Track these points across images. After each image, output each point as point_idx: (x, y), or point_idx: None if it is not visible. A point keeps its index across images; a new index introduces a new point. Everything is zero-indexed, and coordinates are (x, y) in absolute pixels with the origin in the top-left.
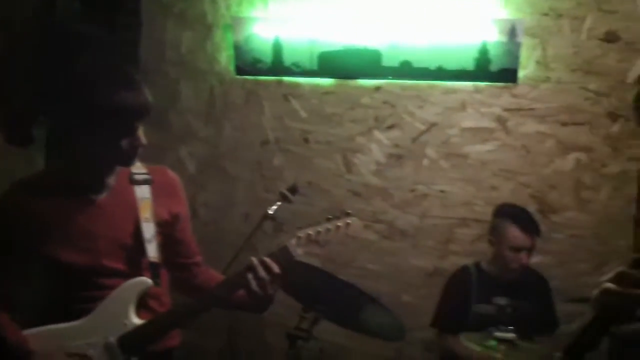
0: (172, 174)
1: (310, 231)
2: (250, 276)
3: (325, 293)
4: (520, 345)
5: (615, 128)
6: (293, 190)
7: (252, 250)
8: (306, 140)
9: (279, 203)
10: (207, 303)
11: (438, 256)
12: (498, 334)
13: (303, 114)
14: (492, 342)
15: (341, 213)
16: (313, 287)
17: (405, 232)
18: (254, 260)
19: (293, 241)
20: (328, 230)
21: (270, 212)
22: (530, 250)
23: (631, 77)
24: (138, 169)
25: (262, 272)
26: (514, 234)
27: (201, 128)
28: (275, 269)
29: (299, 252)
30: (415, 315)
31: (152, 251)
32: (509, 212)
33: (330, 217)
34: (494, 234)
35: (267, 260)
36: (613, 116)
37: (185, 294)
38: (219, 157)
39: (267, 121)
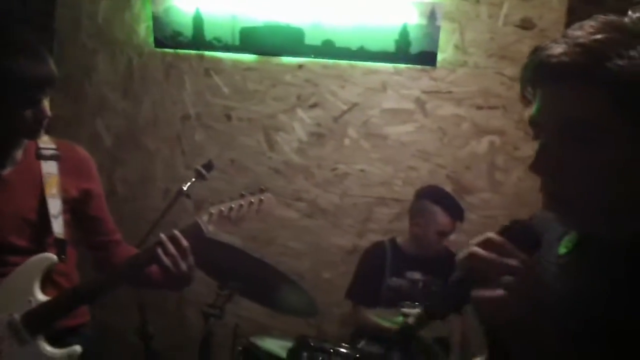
0: (81, 150)
1: (222, 207)
2: (159, 251)
3: (240, 270)
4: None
5: (528, 113)
6: (208, 167)
7: (171, 227)
8: (228, 117)
9: (193, 179)
10: (114, 280)
11: (357, 234)
12: (405, 310)
13: (225, 89)
14: (399, 318)
15: (255, 189)
16: (228, 264)
17: (325, 211)
18: (163, 236)
19: (204, 217)
20: (240, 206)
21: (185, 188)
22: (451, 231)
23: None
24: (45, 143)
25: (171, 248)
26: (443, 220)
27: (119, 101)
28: (184, 243)
29: (210, 229)
30: (334, 292)
31: (58, 227)
32: (435, 196)
33: (243, 193)
34: (419, 216)
35: (177, 235)
36: (526, 101)
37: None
38: (138, 131)
39: (187, 96)
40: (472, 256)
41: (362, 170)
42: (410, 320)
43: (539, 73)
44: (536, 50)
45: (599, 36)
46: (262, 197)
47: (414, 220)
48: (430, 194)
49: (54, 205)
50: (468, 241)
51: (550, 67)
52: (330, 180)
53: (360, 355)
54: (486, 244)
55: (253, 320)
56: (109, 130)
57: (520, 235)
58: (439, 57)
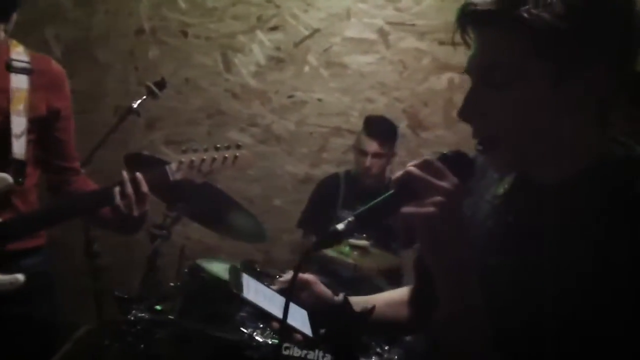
0: (56, 65)
1: (194, 158)
2: (116, 190)
3: (188, 193)
4: (372, 252)
5: None
6: (161, 85)
7: (122, 145)
8: (184, 34)
9: (144, 97)
10: (69, 210)
11: (310, 163)
12: (351, 241)
13: (182, 4)
14: (346, 248)
15: (231, 143)
16: (176, 186)
17: (280, 138)
18: (125, 175)
19: (173, 165)
20: (213, 160)
21: (135, 106)
22: (380, 157)
23: None
24: (19, 55)
25: (129, 189)
26: (361, 137)
27: (70, 9)
28: (144, 188)
29: (177, 177)
30: (284, 219)
31: (19, 148)
32: (365, 121)
33: (218, 146)
34: (355, 144)
35: (138, 178)
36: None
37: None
38: (89, 42)
39: (143, 9)
40: (407, 174)
41: (319, 100)
42: (340, 226)
43: (467, 19)
44: None
45: None
46: (238, 154)
47: (355, 153)
48: (363, 125)
49: (18, 124)
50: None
51: (474, 13)
52: (287, 107)
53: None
54: (423, 165)
55: (201, 243)
56: (58, 40)
57: (457, 163)
58: None
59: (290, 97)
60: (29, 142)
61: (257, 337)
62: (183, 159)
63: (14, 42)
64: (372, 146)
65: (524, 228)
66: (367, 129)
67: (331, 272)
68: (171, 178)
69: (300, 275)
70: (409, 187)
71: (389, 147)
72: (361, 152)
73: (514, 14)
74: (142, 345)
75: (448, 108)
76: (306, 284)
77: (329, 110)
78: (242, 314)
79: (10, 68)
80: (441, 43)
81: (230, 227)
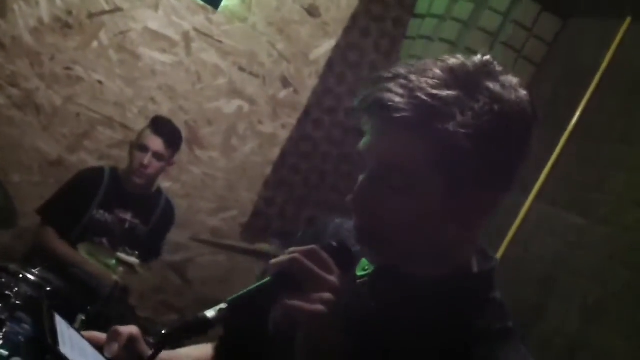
0: None
1: None
2: None
3: None
4: (140, 272)
5: (283, 94)
6: None
7: None
8: None
9: None
10: None
11: (67, 147)
12: (122, 255)
13: None
14: (112, 261)
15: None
16: None
17: (41, 108)
18: None
19: None
20: None
21: None
22: (160, 158)
23: (315, 54)
24: None
25: None
26: (145, 133)
27: None
28: None
29: None
30: (20, 200)
31: None
32: (154, 119)
33: None
34: (137, 142)
35: None
36: (285, 82)
37: None
38: None
39: None
40: (295, 262)
41: (99, 82)
42: (210, 314)
43: (373, 110)
44: (376, 83)
45: (442, 93)
46: None
47: (133, 149)
48: (151, 121)
49: None
50: (186, 192)
51: (384, 110)
52: (60, 78)
53: (45, 284)
54: (310, 255)
55: None
56: None
57: (340, 255)
58: (224, 2)
59: (67, 68)
60: None
61: None
62: None
63: None
64: (157, 144)
65: (384, 315)
66: (155, 126)
67: (88, 287)
68: None
69: (121, 328)
70: (294, 276)
71: (171, 153)
72: (141, 148)
73: (431, 126)
74: None
75: (230, 134)
76: (128, 340)
77: (106, 97)
78: None
79: None
80: (241, 69)
81: None
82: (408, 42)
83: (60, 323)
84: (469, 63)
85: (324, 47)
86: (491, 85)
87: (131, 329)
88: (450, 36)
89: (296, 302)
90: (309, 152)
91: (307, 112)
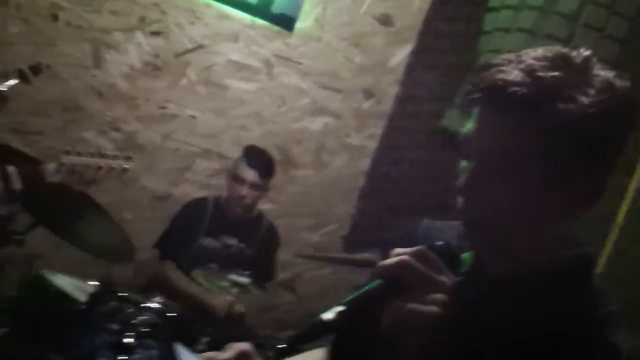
0: None
1: (77, 162)
2: None
3: (63, 202)
4: (252, 291)
5: (366, 105)
6: (37, 70)
7: None
8: (54, 17)
9: (15, 81)
10: None
11: (172, 181)
12: (233, 277)
13: None
14: (224, 283)
15: (120, 155)
16: (51, 190)
17: (143, 148)
18: None
19: (53, 165)
20: (99, 168)
21: (4, 88)
22: (256, 188)
23: (393, 62)
24: None
25: None
26: (240, 165)
27: None
28: (16, 185)
29: (54, 179)
30: (133, 236)
31: None
32: (246, 149)
33: (106, 153)
34: (232, 173)
35: (10, 171)
36: (367, 93)
37: None
38: None
39: None
40: (404, 264)
41: (192, 117)
42: (328, 316)
43: (487, 94)
44: (487, 67)
45: (556, 73)
46: (127, 166)
47: (230, 179)
48: (244, 152)
49: None
50: (284, 211)
51: (502, 92)
52: (156, 117)
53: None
54: (419, 256)
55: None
56: None
57: (446, 256)
58: (298, 24)
59: (161, 107)
60: None
61: None
62: (64, 161)
63: None
64: (252, 176)
65: (472, 317)
66: (248, 158)
67: (205, 311)
68: (47, 179)
69: (243, 347)
70: (404, 279)
71: (266, 181)
72: (237, 179)
73: (548, 106)
74: None
75: (319, 150)
76: (242, 357)
77: (200, 130)
78: (97, 341)
79: None
80: (323, 87)
81: (89, 238)
82: (485, 37)
83: (181, 352)
84: (574, 52)
85: (401, 54)
86: (601, 71)
87: (244, 345)
88: (528, 25)
89: (410, 305)
90: (398, 159)
91: (391, 120)
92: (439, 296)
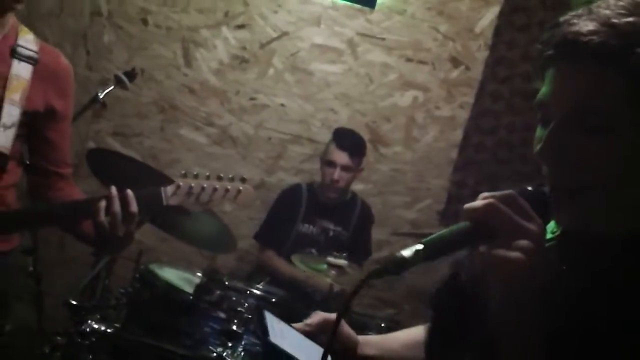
0: (65, 61)
1: (194, 184)
2: (102, 204)
3: (179, 220)
4: (349, 272)
5: (454, 74)
6: (131, 75)
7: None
8: (144, 21)
9: (112, 87)
10: (46, 216)
11: (266, 170)
12: (330, 259)
13: None
14: (323, 266)
15: (235, 176)
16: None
17: (237, 140)
18: (114, 190)
19: (169, 188)
20: (214, 190)
21: (101, 95)
22: (348, 170)
23: (480, 26)
24: (27, 42)
25: (116, 206)
26: (331, 148)
27: None
28: (133, 208)
29: (171, 202)
30: (232, 225)
31: (5, 139)
32: (335, 132)
33: (221, 175)
34: (323, 157)
35: (129, 195)
36: (455, 62)
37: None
38: (37, 19)
39: None
40: (491, 208)
41: (282, 105)
42: (406, 253)
43: (561, 50)
44: (558, 25)
45: (631, 19)
46: (241, 188)
47: (323, 164)
48: (334, 135)
49: (9, 114)
50: (378, 190)
51: (576, 45)
52: (247, 109)
53: (269, 296)
54: (507, 200)
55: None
56: None
57: (537, 201)
58: (379, 0)
59: (251, 99)
60: (17, 136)
61: (227, 358)
62: (181, 183)
63: (24, 28)
64: (343, 158)
65: (576, 278)
66: (338, 140)
67: (302, 294)
68: (165, 202)
69: (326, 315)
70: (490, 223)
71: (358, 162)
72: (329, 164)
73: (626, 53)
74: (90, 357)
75: (410, 126)
76: (325, 323)
77: (290, 117)
78: (206, 329)
79: (14, 54)
80: (408, 60)
81: (195, 234)
82: None
83: (271, 319)
84: None
85: (488, 17)
86: None
87: (328, 314)
88: None
89: (494, 251)
90: (492, 127)
91: (482, 87)
92: (525, 242)
